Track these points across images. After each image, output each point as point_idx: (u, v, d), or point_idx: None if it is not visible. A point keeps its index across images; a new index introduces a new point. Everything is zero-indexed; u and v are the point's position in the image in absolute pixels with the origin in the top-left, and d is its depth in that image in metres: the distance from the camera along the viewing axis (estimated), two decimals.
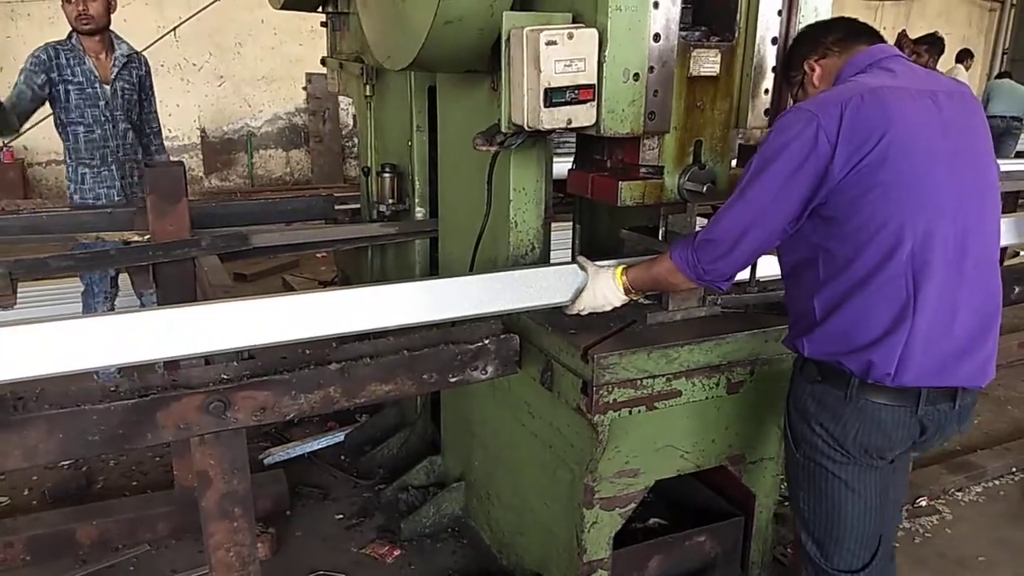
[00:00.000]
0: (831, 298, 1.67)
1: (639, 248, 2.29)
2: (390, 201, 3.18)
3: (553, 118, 1.81)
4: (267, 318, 1.84)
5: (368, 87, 3.28)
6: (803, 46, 1.87)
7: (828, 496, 1.78)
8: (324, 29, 3.82)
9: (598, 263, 2.08)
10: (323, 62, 3.89)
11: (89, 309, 3.68)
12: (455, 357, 1.99)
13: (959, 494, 3.31)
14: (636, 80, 1.88)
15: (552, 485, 2.29)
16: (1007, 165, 5.50)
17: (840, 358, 1.68)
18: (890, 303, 1.61)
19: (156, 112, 3.87)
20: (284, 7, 3.61)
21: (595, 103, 1.85)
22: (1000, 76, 10.30)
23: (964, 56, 10.11)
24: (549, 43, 1.75)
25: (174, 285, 2.51)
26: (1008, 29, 14.58)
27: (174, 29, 7.80)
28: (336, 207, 3.62)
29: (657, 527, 2.50)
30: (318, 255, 6.21)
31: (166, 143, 4.09)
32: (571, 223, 2.82)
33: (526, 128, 1.86)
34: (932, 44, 6.31)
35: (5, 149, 7.74)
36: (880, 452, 1.72)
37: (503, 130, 1.95)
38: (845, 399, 1.69)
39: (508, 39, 1.85)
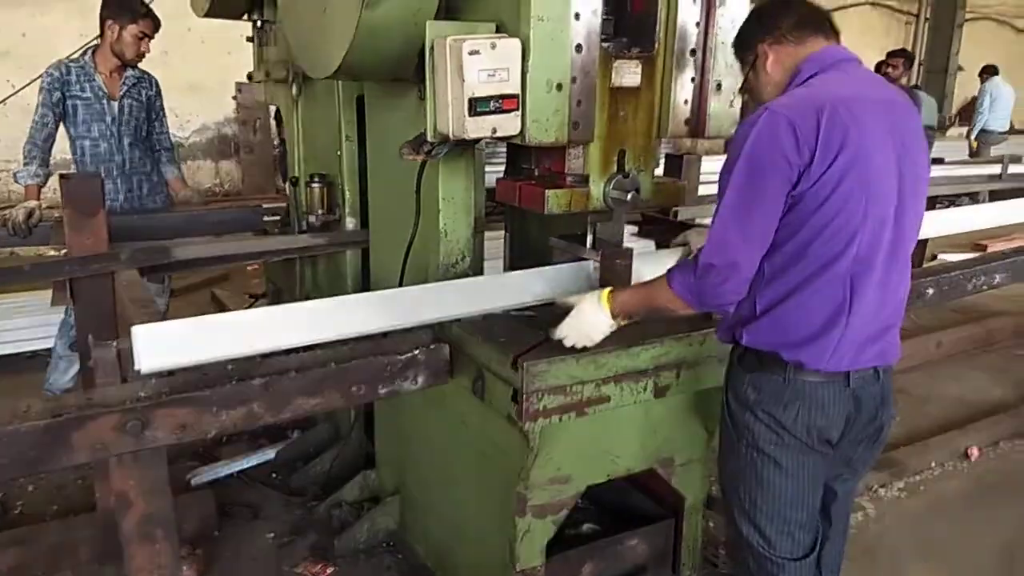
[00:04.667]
0: (774, 293, 1.72)
1: (567, 256, 2.31)
2: (320, 212, 3.14)
3: (478, 127, 1.82)
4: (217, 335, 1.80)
5: (295, 97, 3.24)
6: (756, 27, 1.85)
7: (771, 483, 1.83)
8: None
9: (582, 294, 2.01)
10: (249, 77, 3.83)
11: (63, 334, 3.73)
12: (384, 368, 1.97)
13: (882, 491, 3.41)
14: (559, 90, 1.90)
15: (485, 495, 2.28)
16: (960, 170, 5.77)
17: (778, 349, 1.74)
18: (830, 302, 1.70)
19: (167, 130, 4.02)
20: (208, 15, 3.53)
21: (519, 113, 1.86)
22: (914, 87, 10.75)
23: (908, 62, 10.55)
24: (472, 53, 1.76)
25: (92, 301, 2.42)
26: (923, 42, 15.26)
27: (97, 37, 7.57)
28: (265, 218, 3.56)
29: (590, 532, 2.51)
30: (249, 268, 6.08)
31: None
32: (503, 231, 2.83)
33: (451, 137, 1.86)
34: (907, 58, 6.69)
35: None
36: (821, 431, 1.78)
37: (429, 139, 1.95)
38: (784, 382, 1.75)
39: (432, 48, 1.85)
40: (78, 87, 3.62)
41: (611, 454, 2.23)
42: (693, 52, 2.09)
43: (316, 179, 3.15)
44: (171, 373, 1.83)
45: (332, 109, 3.00)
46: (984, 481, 3.54)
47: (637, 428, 2.25)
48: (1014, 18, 16.17)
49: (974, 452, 3.72)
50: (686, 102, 2.12)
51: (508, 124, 1.84)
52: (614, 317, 1.90)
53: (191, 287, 5.96)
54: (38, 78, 3.68)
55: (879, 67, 6.90)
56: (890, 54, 6.85)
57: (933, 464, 3.63)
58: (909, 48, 15.25)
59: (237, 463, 3.41)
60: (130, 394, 1.73)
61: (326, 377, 1.89)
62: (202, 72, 9.05)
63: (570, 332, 1.92)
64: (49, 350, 3.95)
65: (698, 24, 2.07)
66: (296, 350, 1.95)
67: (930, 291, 3.10)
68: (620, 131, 2.08)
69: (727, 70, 2.11)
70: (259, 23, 3.47)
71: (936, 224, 3.66)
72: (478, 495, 2.32)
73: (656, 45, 2.06)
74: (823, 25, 1.83)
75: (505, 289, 2.23)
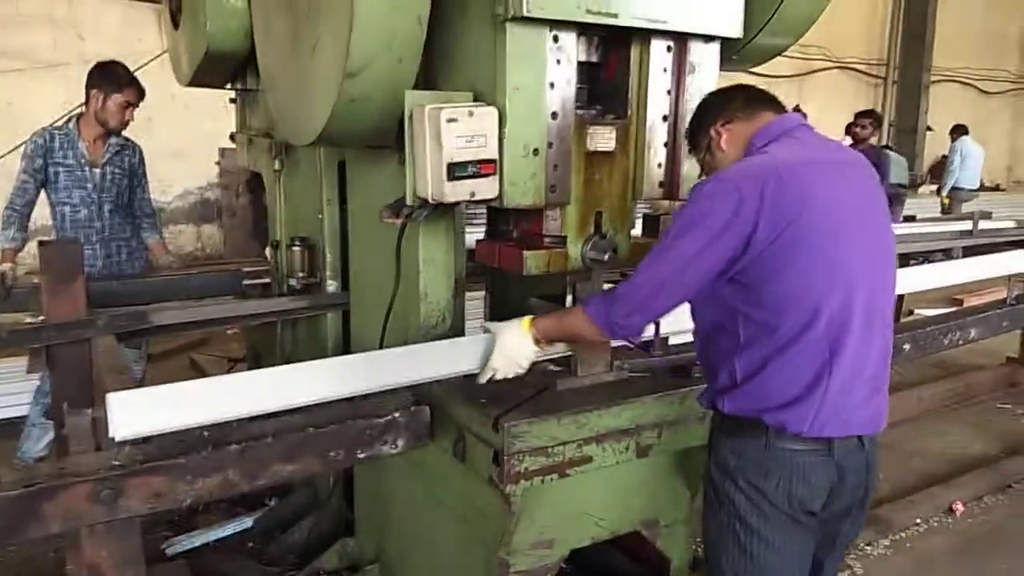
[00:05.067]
0: (752, 361, 1.73)
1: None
2: (300, 274, 3.15)
3: (456, 191, 1.85)
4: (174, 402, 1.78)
5: (277, 161, 3.28)
6: (709, 113, 1.92)
7: (754, 556, 1.79)
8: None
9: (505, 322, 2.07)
10: (232, 138, 3.87)
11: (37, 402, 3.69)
12: (363, 432, 1.96)
13: (868, 548, 3.39)
14: (536, 155, 1.94)
15: (467, 561, 2.24)
16: (898, 229, 5.90)
17: (760, 415, 1.74)
18: (808, 366, 1.69)
19: (148, 197, 4.06)
20: (192, 84, 3.58)
21: (497, 177, 1.90)
22: (883, 147, 11.06)
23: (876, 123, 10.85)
24: (450, 120, 1.80)
25: (69, 367, 2.40)
26: (892, 103, 15.72)
27: (81, 105, 7.65)
28: (245, 282, 3.55)
29: None
30: (228, 331, 6.04)
31: None
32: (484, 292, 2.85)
33: (431, 201, 1.89)
34: (874, 118, 6.86)
35: None
36: (803, 502, 1.76)
37: (409, 203, 1.98)
38: (764, 448, 1.74)
39: (411, 116, 1.89)
40: (61, 154, 3.66)
41: (595, 516, 2.21)
42: (665, 118, 2.15)
43: (297, 242, 3.16)
44: (146, 440, 1.80)
45: (314, 174, 3.04)
46: (969, 536, 3.52)
47: (621, 489, 2.24)
48: (979, 80, 16.72)
49: (959, 507, 3.71)
50: (660, 165, 2.17)
51: (486, 188, 1.88)
52: (536, 342, 1.96)
53: (170, 351, 5.89)
54: (21, 145, 3.72)
55: (849, 128, 7.08)
56: (858, 114, 7.07)
57: (919, 520, 3.62)
58: (878, 109, 15.77)
59: (213, 532, 3.33)
60: (103, 463, 1.70)
61: (303, 442, 1.87)
62: (186, 138, 9.13)
63: (498, 363, 1.98)
64: (23, 418, 3.88)
65: (669, 92, 2.13)
66: (273, 415, 1.94)
67: (907, 346, 3.15)
68: (596, 194, 2.12)
69: None
70: (242, 89, 3.53)
71: (911, 280, 3.72)
72: (460, 562, 2.28)
73: (629, 112, 2.12)
74: (771, 101, 1.91)
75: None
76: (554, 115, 1.96)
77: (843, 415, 1.72)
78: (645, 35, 2.07)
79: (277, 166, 3.29)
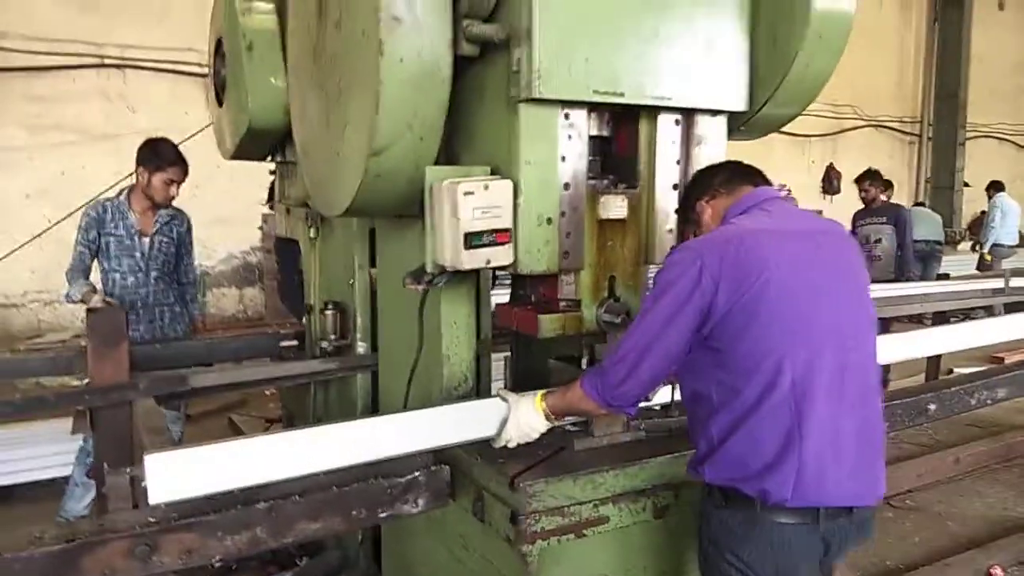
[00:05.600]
0: (724, 424, 1.78)
1: (565, 377, 2.39)
2: (332, 337, 3.26)
3: (473, 259, 1.96)
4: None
5: (312, 229, 3.44)
6: (695, 190, 2.06)
7: None
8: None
9: (521, 394, 2.16)
10: (270, 207, 4.06)
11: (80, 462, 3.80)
12: (385, 491, 2.04)
13: None
14: (549, 224, 2.05)
15: None
16: (930, 288, 5.87)
17: (738, 484, 1.76)
18: (777, 429, 1.72)
19: (193, 265, 4.31)
20: (234, 157, 3.79)
21: (512, 245, 2.00)
22: (916, 204, 11.03)
23: (886, 187, 10.82)
24: (467, 193, 1.92)
25: (111, 429, 2.52)
26: (927, 160, 15.67)
27: (131, 175, 8.03)
28: (281, 344, 3.69)
29: None
30: (266, 392, 6.18)
31: None
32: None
33: (448, 268, 2.00)
34: (873, 177, 6.87)
35: None
36: (790, 571, 1.78)
37: (429, 270, 2.09)
38: (750, 522, 1.76)
39: (431, 190, 2.01)
40: (112, 225, 3.89)
41: None
42: (675, 187, 2.24)
43: (330, 306, 3.29)
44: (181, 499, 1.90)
45: (347, 240, 3.18)
46: None
47: (639, 549, 2.25)
48: (1013, 135, 16.61)
49: (997, 572, 3.62)
50: (670, 231, 2.26)
51: (501, 255, 1.98)
52: (547, 418, 2.06)
53: (209, 412, 6.05)
54: (75, 212, 3.95)
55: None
56: (857, 178, 7.07)
57: None
58: (914, 167, 15.75)
59: None
60: (140, 519, 1.80)
61: (327, 501, 1.95)
62: (230, 205, 9.46)
63: (512, 434, 2.09)
64: (67, 477, 4.02)
65: (678, 162, 2.24)
66: None
67: (932, 406, 3.14)
68: (609, 259, 2.21)
69: None
70: (280, 162, 3.73)
71: (939, 342, 3.71)
72: None
73: (640, 182, 2.23)
74: (753, 176, 2.01)
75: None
76: (566, 186, 2.07)
77: (827, 483, 1.73)
78: (653, 110, 2.19)
79: (312, 234, 3.44)
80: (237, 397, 6.29)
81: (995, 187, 10.55)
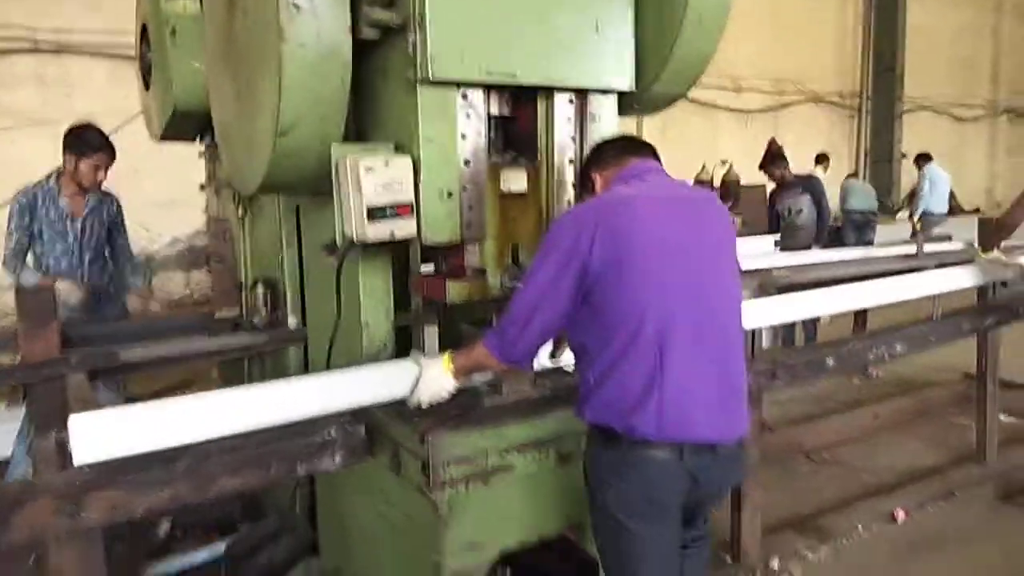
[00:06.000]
0: (599, 371, 1.97)
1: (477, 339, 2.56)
2: (264, 312, 3.38)
3: (377, 231, 2.10)
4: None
5: (241, 209, 3.54)
6: (590, 161, 2.23)
7: (624, 548, 2.02)
8: None
9: (431, 356, 2.32)
10: (202, 188, 4.15)
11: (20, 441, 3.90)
12: (303, 449, 2.18)
13: (810, 555, 3.57)
14: (450, 198, 2.20)
15: (410, 566, 2.44)
16: (851, 253, 6.15)
17: (611, 422, 1.96)
18: (641, 373, 1.91)
19: (128, 245, 4.39)
20: (164, 138, 3.86)
21: (414, 218, 2.15)
22: (849, 176, 11.40)
23: (821, 159, 11.20)
24: (368, 169, 2.06)
25: (43, 404, 2.62)
26: (866, 134, 16.11)
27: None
28: (215, 318, 3.79)
29: None
30: (214, 375, 6.25)
31: None
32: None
33: (355, 240, 2.14)
34: (773, 161, 7.06)
35: None
36: (660, 502, 1.98)
37: (339, 243, 2.23)
38: (621, 455, 1.96)
39: (336, 166, 2.15)
40: (43, 210, 3.95)
41: (522, 520, 2.41)
42: (571, 161, 2.41)
43: (261, 282, 3.41)
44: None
45: (274, 219, 3.29)
46: (908, 541, 3.70)
47: (546, 494, 2.43)
48: (952, 107, 17.14)
49: (900, 514, 3.90)
50: (569, 202, 2.43)
51: (404, 228, 2.13)
52: (455, 376, 2.21)
53: (157, 393, 6.08)
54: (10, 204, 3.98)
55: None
56: (760, 164, 7.19)
57: (860, 527, 3.80)
58: (854, 140, 16.19)
59: (188, 558, 3.52)
60: (66, 479, 1.92)
61: (247, 458, 2.09)
62: (174, 188, 9.40)
63: (423, 393, 2.23)
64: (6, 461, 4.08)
65: (573, 138, 2.40)
66: None
67: (830, 360, 3.37)
68: (512, 229, 2.38)
69: None
70: (208, 143, 3.81)
71: (849, 299, 3.95)
72: (403, 566, 2.48)
73: (539, 157, 2.39)
74: (641, 149, 2.19)
75: (413, 380, 2.45)
76: (467, 162, 2.22)
77: (686, 421, 1.92)
78: (548, 90, 2.35)
79: (240, 213, 3.55)
80: (180, 377, 6.35)
81: (923, 159, 10.96)
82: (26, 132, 8.33)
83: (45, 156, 8.01)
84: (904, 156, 15.35)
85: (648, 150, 2.20)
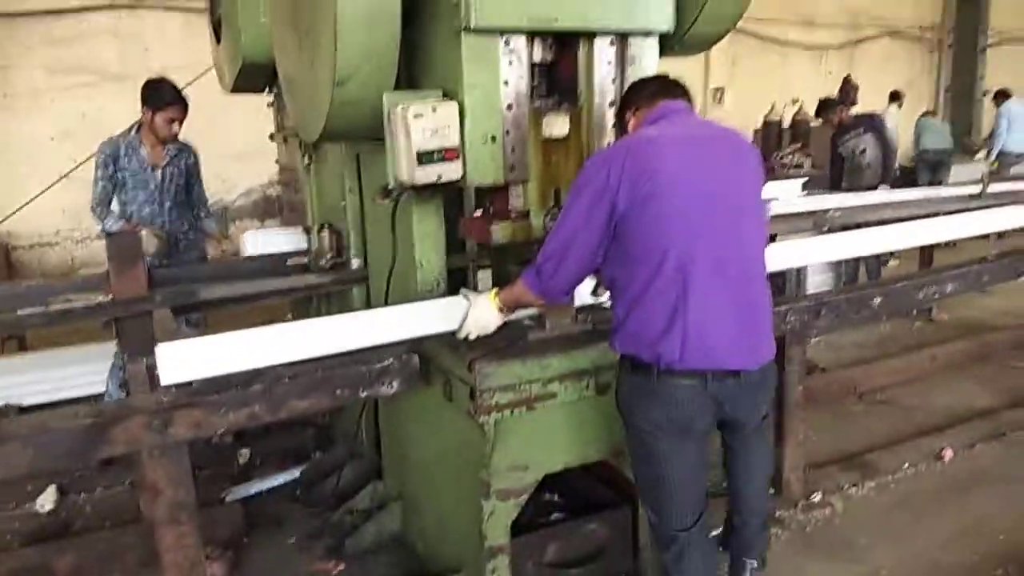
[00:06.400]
0: (627, 303, 2.11)
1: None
2: (329, 255, 3.61)
3: (426, 174, 2.26)
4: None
5: (307, 157, 3.75)
6: (626, 100, 2.32)
7: (654, 465, 2.18)
8: None
9: (479, 291, 2.48)
10: (271, 137, 4.37)
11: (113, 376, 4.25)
12: (363, 375, 2.39)
13: (852, 490, 3.66)
14: (494, 142, 2.34)
15: (460, 487, 2.66)
16: (942, 191, 6.01)
17: (639, 351, 2.11)
18: (665, 305, 2.04)
19: (203, 193, 4.60)
20: (234, 90, 4.08)
21: (461, 161, 2.29)
22: (925, 114, 10.98)
23: (895, 96, 10.82)
24: (417, 116, 2.21)
25: (133, 336, 2.90)
26: (947, 70, 15.38)
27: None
28: (288, 263, 4.04)
29: (559, 521, 2.85)
30: (288, 316, 6.59)
31: None
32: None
33: (405, 183, 2.30)
34: (825, 108, 6.91)
35: None
36: (686, 424, 2.12)
37: (390, 187, 2.39)
38: (649, 383, 2.11)
39: (388, 114, 2.30)
40: (126, 159, 4.21)
41: (564, 445, 2.59)
42: (612, 104, 2.50)
43: (326, 227, 3.63)
44: (189, 383, 2.28)
45: (337, 166, 3.49)
46: (953, 478, 3.74)
47: (587, 422, 2.60)
48: None
49: (947, 453, 3.93)
50: (610, 145, 2.52)
51: (451, 171, 2.28)
52: (500, 311, 2.35)
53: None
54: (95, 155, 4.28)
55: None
56: (815, 112, 7.06)
57: (906, 465, 3.85)
58: (934, 75, 15.48)
59: (265, 482, 3.84)
60: (155, 400, 2.18)
61: (314, 383, 2.31)
62: (248, 139, 9.72)
63: (471, 327, 2.40)
64: (102, 394, 4.47)
65: (614, 80, 2.49)
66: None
67: (877, 299, 3.41)
68: (554, 172, 2.50)
69: None
70: (275, 94, 4.01)
71: (894, 239, 3.95)
72: (456, 486, 2.70)
73: (580, 101, 2.49)
74: (672, 90, 2.26)
75: (462, 314, 2.62)
76: (509, 107, 2.34)
77: (709, 349, 2.05)
78: (589, 35, 2.44)
79: (306, 161, 3.76)
80: (259, 318, 6.73)
81: (1003, 95, 10.46)
82: (105, 87, 8.74)
83: (124, 110, 8.44)
84: (987, 93, 14.64)
85: (680, 91, 2.27)
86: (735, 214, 2.10)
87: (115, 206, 4.24)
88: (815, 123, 9.64)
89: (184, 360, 2.21)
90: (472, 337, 2.44)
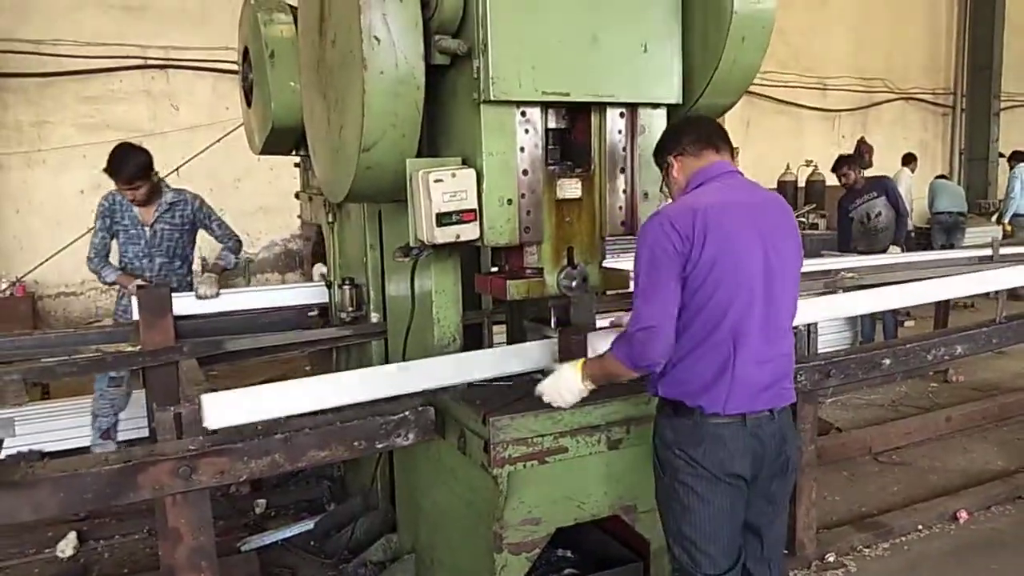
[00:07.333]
0: (677, 354, 2.21)
1: (537, 334, 2.81)
2: (349, 309, 3.72)
3: (444, 234, 2.38)
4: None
5: (330, 215, 3.89)
6: (667, 143, 2.40)
7: (690, 508, 2.24)
8: None
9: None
10: (296, 196, 4.53)
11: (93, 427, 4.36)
12: (380, 426, 2.47)
13: (866, 551, 3.66)
14: (510, 204, 2.46)
15: (474, 540, 2.70)
16: (954, 254, 6.06)
17: (684, 398, 2.22)
18: (714, 362, 2.18)
19: (225, 230, 4.66)
20: (263, 152, 4.26)
21: (478, 223, 2.41)
22: (939, 177, 11.09)
23: (908, 160, 10.95)
24: (437, 180, 2.34)
25: (160, 385, 3.01)
26: (960, 133, 15.55)
27: (176, 170, 8.65)
28: (308, 315, 4.16)
29: None
30: (306, 368, 6.70)
31: None
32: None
33: (426, 243, 2.41)
34: (849, 163, 7.01)
35: (18, 283, 8.41)
36: (725, 465, 2.21)
37: (411, 245, 2.51)
38: (692, 425, 2.21)
39: (410, 178, 2.43)
40: (119, 216, 4.37)
41: (576, 500, 2.63)
42: (622, 170, 2.63)
43: (347, 282, 3.75)
44: (214, 431, 2.36)
45: (360, 223, 3.63)
46: (968, 541, 3.74)
47: (599, 477, 2.66)
48: None
49: (963, 515, 3.93)
50: (620, 208, 2.65)
51: (469, 232, 2.40)
52: (583, 381, 2.36)
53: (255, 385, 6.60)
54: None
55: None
56: (833, 167, 7.08)
57: (920, 527, 3.85)
58: (948, 139, 15.64)
59: (281, 532, 3.89)
60: (181, 447, 2.26)
61: (333, 433, 2.40)
62: (271, 196, 10.00)
63: (548, 391, 2.42)
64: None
65: (624, 149, 2.62)
66: (314, 412, 2.48)
67: (887, 361, 3.46)
68: (567, 233, 2.61)
69: (651, 182, 2.64)
70: (302, 155, 4.19)
71: (901, 297, 4.02)
72: (468, 540, 2.74)
73: (592, 166, 2.61)
74: (715, 141, 2.37)
75: (485, 363, 2.72)
76: (525, 172, 2.47)
77: (749, 396, 2.20)
78: (601, 106, 2.57)
79: (330, 219, 3.90)
80: (280, 372, 6.85)
81: (1016, 157, 10.58)
82: (137, 143, 9.05)
83: (155, 166, 8.73)
84: (1002, 155, 14.77)
85: (724, 142, 2.37)
86: (782, 278, 2.24)
87: (115, 258, 4.37)
88: (830, 183, 9.78)
89: (223, 407, 2.32)
90: (546, 400, 2.42)
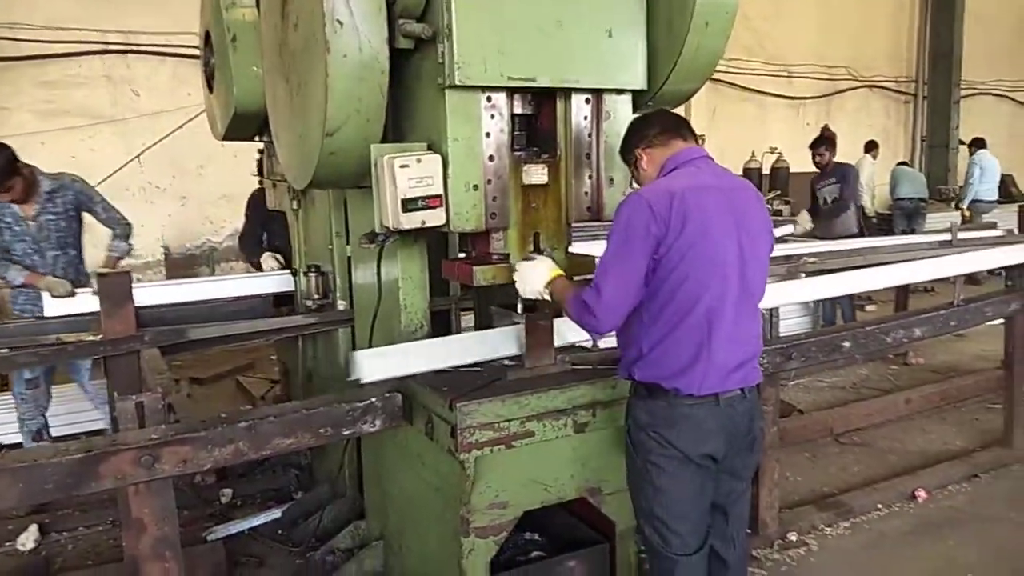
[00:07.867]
0: (652, 338, 2.25)
1: (504, 321, 2.81)
2: (315, 296, 3.70)
3: (410, 220, 2.37)
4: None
5: (295, 202, 3.85)
6: (632, 137, 2.44)
7: (662, 489, 2.29)
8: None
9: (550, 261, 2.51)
10: (260, 182, 4.48)
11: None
12: (347, 413, 2.46)
13: (827, 529, 3.74)
14: (476, 190, 2.45)
15: (440, 525, 2.71)
16: (913, 239, 6.18)
17: (659, 381, 2.25)
18: (690, 344, 2.23)
19: (113, 214, 4.43)
20: (225, 138, 4.19)
21: (444, 208, 2.40)
22: (900, 164, 11.28)
23: (870, 147, 11.11)
24: (402, 166, 2.32)
25: (122, 374, 2.96)
26: (922, 120, 15.82)
27: (138, 156, 8.48)
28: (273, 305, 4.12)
29: (538, 559, 2.90)
30: (271, 358, 6.66)
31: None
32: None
33: (391, 229, 2.40)
34: (827, 143, 7.16)
35: None
36: (699, 445, 2.26)
37: (377, 231, 2.50)
38: (668, 406, 2.26)
39: (375, 164, 2.42)
40: (2, 216, 4.18)
41: (543, 483, 2.65)
42: (588, 156, 2.63)
43: (312, 269, 3.72)
44: (176, 420, 2.34)
45: (325, 210, 3.60)
46: (927, 519, 3.83)
47: (565, 460, 2.67)
48: (1012, 91, 16.68)
49: (921, 494, 4.02)
50: (586, 193, 2.66)
51: (434, 217, 2.39)
52: (546, 287, 2.41)
53: (220, 375, 6.55)
54: None
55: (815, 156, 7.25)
56: (812, 144, 7.27)
57: (880, 506, 3.94)
58: (910, 126, 15.91)
59: (247, 521, 3.87)
60: (143, 436, 2.24)
61: (298, 421, 2.38)
62: (234, 182, 9.85)
63: (522, 271, 2.46)
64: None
65: (590, 135, 2.62)
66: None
67: (846, 344, 3.53)
68: (533, 219, 2.62)
69: (616, 168, 2.65)
70: (265, 141, 4.13)
71: (864, 281, 4.09)
72: (436, 525, 2.75)
73: (558, 152, 2.62)
74: (682, 130, 2.41)
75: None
76: (491, 158, 2.46)
77: (722, 376, 2.25)
78: (566, 91, 2.57)
79: (295, 206, 3.86)
80: (245, 361, 6.81)
81: (976, 144, 10.78)
82: (96, 130, 8.85)
83: (114, 152, 8.55)
84: (962, 142, 15.05)
85: (689, 131, 2.41)
86: (754, 261, 2.28)
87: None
88: (795, 169, 9.89)
89: (377, 361, 2.52)
90: (514, 277, 2.48)
